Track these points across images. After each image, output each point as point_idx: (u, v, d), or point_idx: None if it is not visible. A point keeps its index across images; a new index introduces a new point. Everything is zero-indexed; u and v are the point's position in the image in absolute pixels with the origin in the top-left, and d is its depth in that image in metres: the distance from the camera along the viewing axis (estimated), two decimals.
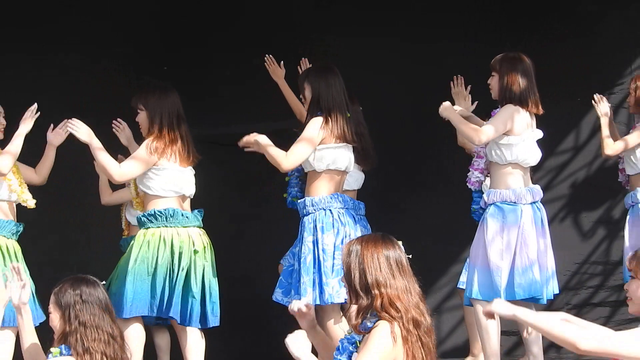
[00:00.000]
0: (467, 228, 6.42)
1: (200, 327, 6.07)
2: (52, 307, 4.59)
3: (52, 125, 6.58)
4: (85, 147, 6.12)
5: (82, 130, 6.06)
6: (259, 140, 6.16)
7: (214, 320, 6.09)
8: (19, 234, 6.36)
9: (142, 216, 6.14)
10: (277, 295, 6.25)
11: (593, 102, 7.15)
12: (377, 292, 4.08)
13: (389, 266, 4.12)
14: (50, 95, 7.34)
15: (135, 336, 5.99)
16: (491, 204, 6.08)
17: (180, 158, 6.12)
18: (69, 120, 6.13)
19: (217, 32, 8.60)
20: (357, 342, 4.12)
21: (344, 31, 8.38)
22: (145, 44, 8.48)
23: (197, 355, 6.13)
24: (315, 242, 6.04)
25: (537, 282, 6.01)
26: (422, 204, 8.22)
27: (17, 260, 6.21)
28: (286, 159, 6.05)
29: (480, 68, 6.46)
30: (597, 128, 7.77)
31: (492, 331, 5.97)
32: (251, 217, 8.51)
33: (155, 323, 6.89)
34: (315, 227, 6.06)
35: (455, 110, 6.19)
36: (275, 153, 6.09)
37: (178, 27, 8.61)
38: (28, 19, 8.39)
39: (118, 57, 8.49)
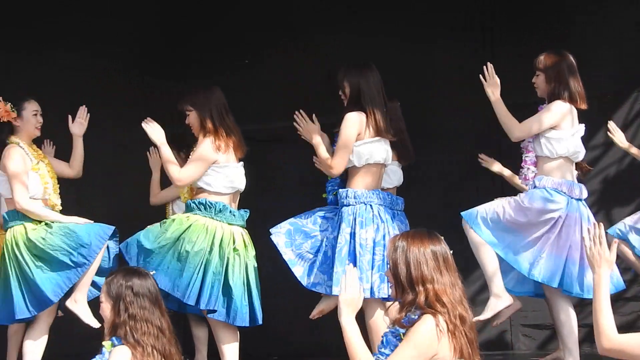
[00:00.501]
0: None
1: (241, 325, 6.15)
2: (103, 297, 4.57)
3: (69, 117, 6.71)
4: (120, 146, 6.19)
5: (156, 131, 6.21)
6: (315, 139, 6.25)
7: (255, 318, 6.19)
8: None
9: (192, 202, 6.23)
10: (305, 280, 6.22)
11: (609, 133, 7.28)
12: (422, 287, 4.11)
13: (436, 261, 4.15)
14: (50, 92, 7.41)
15: None
16: (541, 188, 6.17)
17: (234, 152, 6.25)
18: (146, 119, 6.24)
19: (260, 32, 8.67)
20: (401, 334, 4.14)
21: (334, 30, 8.43)
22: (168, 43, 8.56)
23: (231, 349, 6.22)
24: (353, 235, 6.08)
25: (569, 274, 6.09)
26: (435, 199, 8.30)
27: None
28: (334, 168, 6.18)
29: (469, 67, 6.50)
30: (627, 123, 7.82)
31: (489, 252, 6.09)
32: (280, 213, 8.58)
33: (190, 312, 6.98)
34: (354, 219, 6.11)
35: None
36: (323, 156, 6.20)
37: (219, 25, 8.68)
38: (27, 17, 8.49)
39: (128, 56, 8.55)
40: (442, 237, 4.28)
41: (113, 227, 6.33)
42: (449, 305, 4.10)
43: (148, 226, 6.33)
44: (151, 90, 8.73)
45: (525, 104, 6.78)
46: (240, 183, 6.31)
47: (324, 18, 8.58)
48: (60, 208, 6.49)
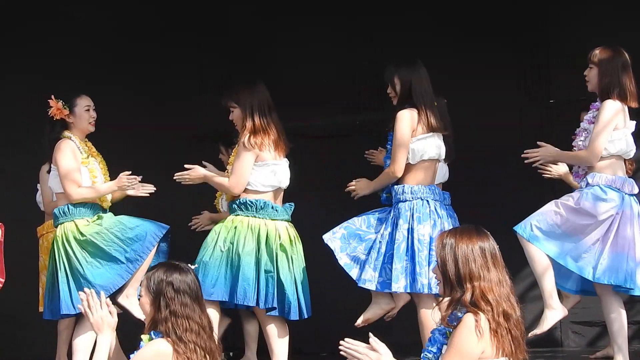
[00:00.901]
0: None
1: (291, 318, 6.17)
2: (143, 291, 4.50)
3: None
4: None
5: (196, 177, 6.21)
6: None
7: (304, 311, 6.20)
8: None
9: (233, 203, 6.25)
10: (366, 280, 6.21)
11: None
12: (469, 285, 4.08)
13: (484, 258, 4.12)
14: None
15: None
16: (595, 185, 6.14)
17: (276, 149, 6.25)
18: (185, 174, 6.22)
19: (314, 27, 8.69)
20: (448, 333, 4.12)
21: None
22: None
23: (282, 344, 6.24)
24: (410, 231, 6.09)
25: (626, 270, 6.05)
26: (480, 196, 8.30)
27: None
28: (397, 171, 6.14)
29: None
30: None
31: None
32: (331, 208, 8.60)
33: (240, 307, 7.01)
34: (412, 215, 6.12)
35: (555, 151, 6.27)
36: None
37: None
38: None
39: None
40: (489, 233, 4.25)
41: (167, 227, 6.37)
42: (494, 302, 4.06)
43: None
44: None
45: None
46: (283, 181, 6.31)
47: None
48: (110, 204, 6.52)
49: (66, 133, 6.48)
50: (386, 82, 6.29)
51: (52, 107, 6.45)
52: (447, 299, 4.19)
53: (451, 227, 6.02)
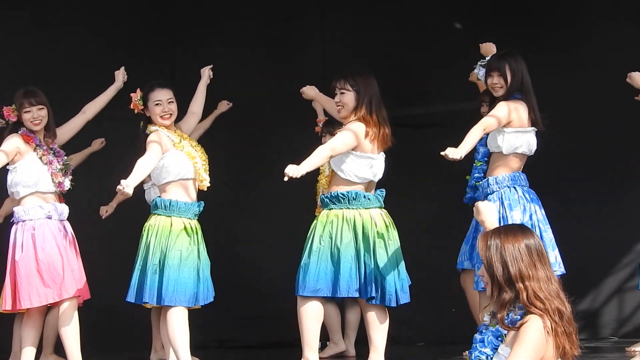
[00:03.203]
0: None
1: (388, 304, 6.13)
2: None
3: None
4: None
5: (295, 171, 5.95)
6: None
7: (404, 297, 6.16)
8: (199, 213, 6.48)
9: (325, 197, 6.23)
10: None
11: None
12: (521, 285, 3.99)
13: (530, 257, 4.03)
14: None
15: (312, 315, 6.10)
16: None
17: (378, 143, 6.19)
18: (290, 174, 5.91)
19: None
20: (503, 335, 4.05)
21: None
22: None
23: (380, 331, 6.19)
24: (503, 219, 6.11)
25: None
26: None
27: (199, 240, 6.40)
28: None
29: None
30: None
31: None
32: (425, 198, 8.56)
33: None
34: (502, 204, 6.14)
35: None
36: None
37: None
38: None
39: None
40: (532, 230, 4.17)
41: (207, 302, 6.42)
42: (547, 301, 3.97)
43: None
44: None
45: None
46: (377, 174, 6.26)
47: None
48: (209, 185, 6.49)
49: (151, 127, 6.48)
50: (493, 72, 6.26)
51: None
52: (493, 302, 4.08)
53: (541, 210, 6.11)
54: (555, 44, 8.37)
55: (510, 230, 4.11)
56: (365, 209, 6.16)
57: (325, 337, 7.51)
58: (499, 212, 6.11)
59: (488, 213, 4.31)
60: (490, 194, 6.18)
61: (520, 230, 4.11)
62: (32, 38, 8.78)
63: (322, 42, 8.97)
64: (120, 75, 6.90)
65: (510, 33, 8.17)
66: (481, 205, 4.34)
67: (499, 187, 6.16)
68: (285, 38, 8.98)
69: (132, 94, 6.49)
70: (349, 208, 6.14)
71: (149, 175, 6.50)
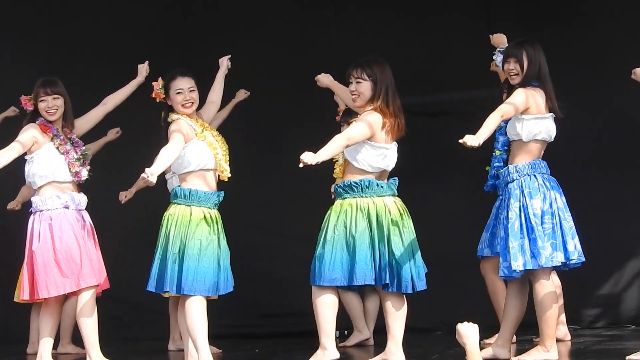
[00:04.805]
0: None
1: (404, 292, 6.12)
2: None
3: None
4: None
5: (311, 158, 5.93)
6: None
7: (420, 284, 6.15)
8: (219, 203, 6.46)
9: (339, 187, 6.22)
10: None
11: None
12: None
13: None
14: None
15: (328, 304, 6.10)
16: None
17: (392, 133, 6.18)
18: (306, 161, 5.88)
19: None
20: None
21: None
22: None
23: (397, 319, 6.18)
24: (524, 208, 6.09)
25: None
26: None
27: (219, 230, 6.40)
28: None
29: None
30: None
31: None
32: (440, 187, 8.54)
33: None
34: (522, 192, 6.12)
35: None
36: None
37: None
38: None
39: None
40: None
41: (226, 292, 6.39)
42: None
43: None
44: None
45: None
46: (390, 164, 6.24)
47: None
48: (230, 175, 6.48)
49: (173, 115, 6.46)
50: (510, 58, 6.25)
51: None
52: None
53: (562, 198, 6.11)
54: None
55: None
56: (379, 197, 6.15)
57: (342, 327, 7.51)
58: (519, 201, 6.09)
59: (470, 335, 4.23)
60: (511, 182, 6.16)
61: None
62: (54, 30, 8.81)
63: (336, 32, 8.95)
64: (144, 70, 6.88)
65: (527, 15, 8.17)
66: (461, 328, 4.26)
67: (519, 175, 6.14)
68: (300, 27, 8.97)
69: (153, 83, 6.47)
70: (362, 196, 6.13)
71: (170, 165, 6.50)
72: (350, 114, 6.90)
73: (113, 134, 8.08)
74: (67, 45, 8.84)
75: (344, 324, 7.70)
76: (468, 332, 4.20)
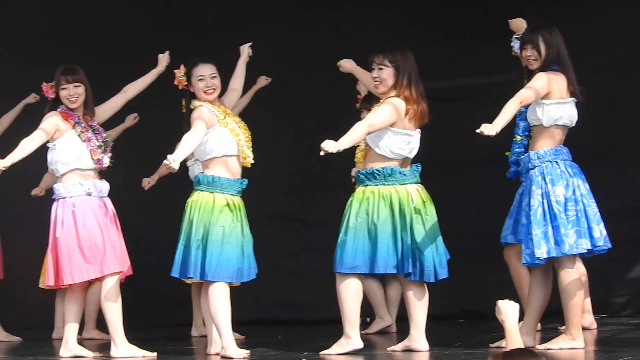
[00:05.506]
0: None
1: (427, 280, 6.11)
2: None
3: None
4: None
5: (332, 146, 5.90)
6: None
7: (442, 273, 6.14)
8: (242, 190, 6.46)
9: (361, 174, 6.21)
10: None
11: None
12: None
13: None
14: None
15: (351, 292, 6.11)
16: None
17: (415, 119, 6.16)
18: (327, 149, 5.89)
19: None
20: None
21: None
22: None
23: (420, 307, 6.17)
24: (546, 195, 6.04)
25: None
26: None
27: (242, 217, 6.39)
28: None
29: None
30: None
31: None
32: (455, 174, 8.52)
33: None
34: (544, 179, 6.06)
35: None
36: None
37: None
38: None
39: None
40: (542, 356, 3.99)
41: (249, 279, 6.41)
42: None
43: None
44: None
45: None
46: (413, 151, 6.23)
47: None
48: (252, 162, 6.47)
49: (195, 102, 6.46)
50: (527, 45, 6.19)
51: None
52: None
53: (585, 184, 6.07)
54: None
55: (523, 355, 3.91)
56: (402, 184, 6.13)
57: (364, 314, 7.50)
58: (541, 188, 6.05)
59: (510, 313, 4.18)
60: (532, 168, 6.11)
61: (533, 356, 3.91)
62: (76, 18, 8.82)
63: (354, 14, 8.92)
64: (164, 61, 6.87)
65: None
66: (501, 304, 4.23)
67: (540, 162, 6.08)
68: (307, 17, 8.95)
69: (175, 70, 6.48)
70: (384, 184, 6.11)
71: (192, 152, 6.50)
72: (371, 101, 6.87)
73: (131, 119, 8.09)
74: (69, 43, 8.81)
75: (366, 311, 7.68)
76: (508, 309, 4.17)
